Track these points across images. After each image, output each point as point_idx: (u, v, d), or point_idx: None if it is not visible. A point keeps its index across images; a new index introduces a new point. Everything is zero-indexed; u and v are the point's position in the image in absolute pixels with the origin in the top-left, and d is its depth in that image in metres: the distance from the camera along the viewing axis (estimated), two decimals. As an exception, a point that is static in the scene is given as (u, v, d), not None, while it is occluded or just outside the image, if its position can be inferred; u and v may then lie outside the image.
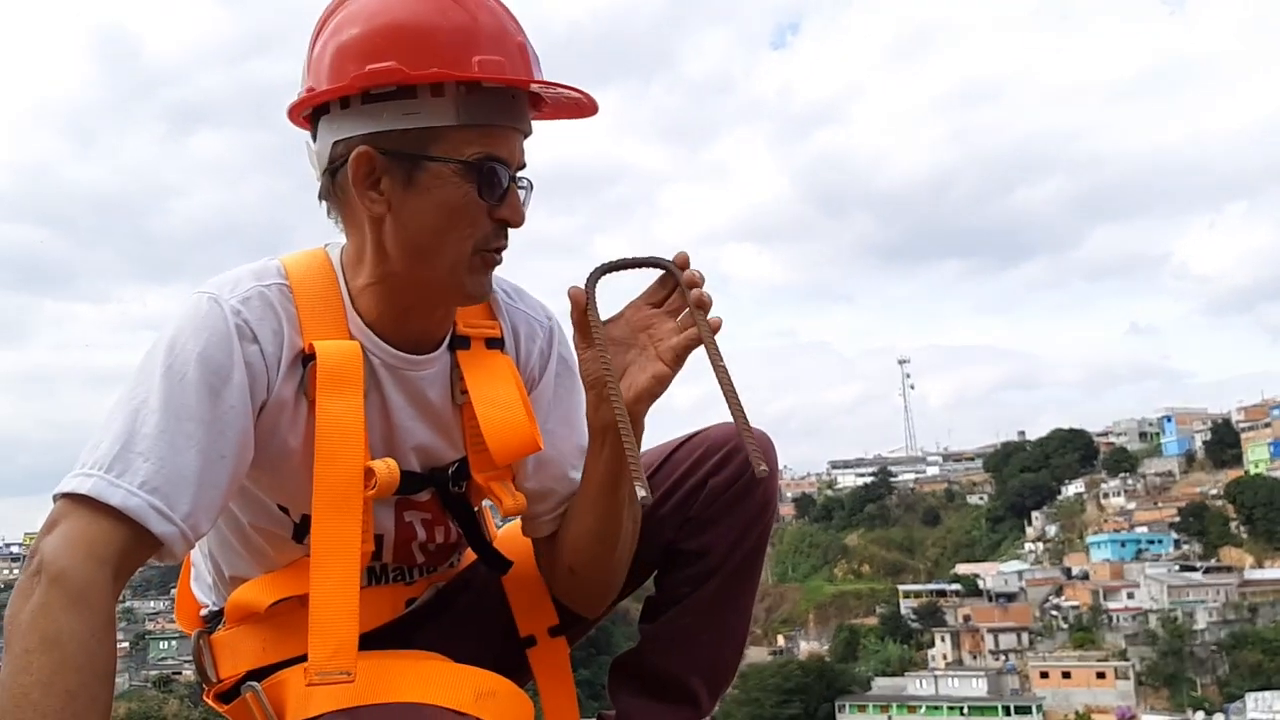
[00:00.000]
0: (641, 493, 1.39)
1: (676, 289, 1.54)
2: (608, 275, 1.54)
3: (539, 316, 1.72)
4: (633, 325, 1.55)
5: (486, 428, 1.57)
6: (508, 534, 1.80)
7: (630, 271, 1.56)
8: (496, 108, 1.46)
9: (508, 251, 1.55)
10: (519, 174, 1.51)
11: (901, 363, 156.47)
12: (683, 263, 1.52)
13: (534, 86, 1.50)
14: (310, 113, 1.52)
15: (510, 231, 1.53)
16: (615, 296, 1.52)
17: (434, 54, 1.43)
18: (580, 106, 1.57)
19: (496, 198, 1.47)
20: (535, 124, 1.55)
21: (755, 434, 1.47)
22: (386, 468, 1.51)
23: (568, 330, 1.59)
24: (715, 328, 1.47)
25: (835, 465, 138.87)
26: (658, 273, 1.56)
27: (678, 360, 1.51)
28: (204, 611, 1.73)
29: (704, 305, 1.48)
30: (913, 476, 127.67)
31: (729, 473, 1.71)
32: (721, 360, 1.45)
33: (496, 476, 1.64)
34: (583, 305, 1.51)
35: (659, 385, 1.52)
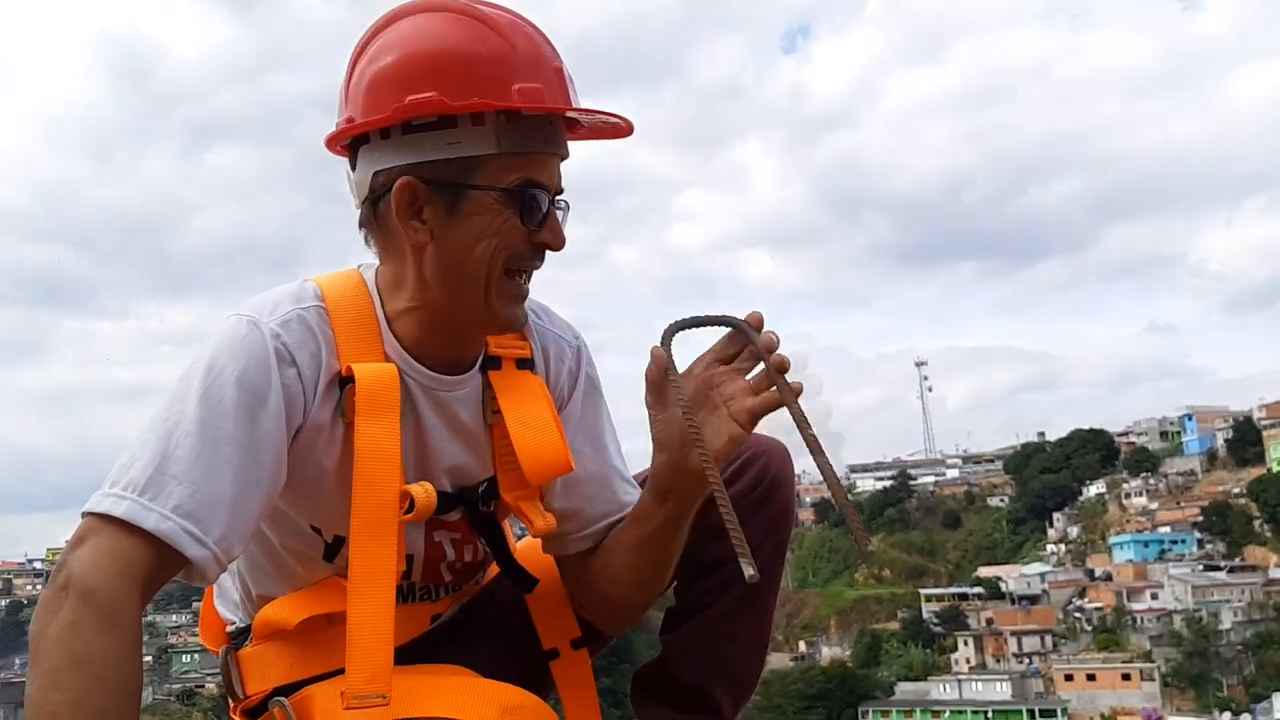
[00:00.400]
0: (749, 571, 1.36)
1: (746, 347, 1.51)
2: (679, 332, 1.53)
3: (567, 336, 1.74)
4: (701, 383, 1.52)
5: (520, 448, 1.58)
6: (527, 548, 1.81)
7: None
8: (536, 134, 1.48)
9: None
10: (557, 197, 1.53)
11: (919, 365, 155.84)
12: (756, 323, 1.50)
13: (586, 114, 1.52)
14: (349, 142, 1.53)
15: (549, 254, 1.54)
16: (686, 350, 1.51)
17: (474, 83, 1.44)
18: (617, 129, 1.60)
19: (537, 223, 1.49)
20: (572, 145, 1.56)
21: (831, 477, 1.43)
22: (425, 492, 1.52)
23: (598, 348, 1.63)
24: (797, 392, 1.44)
25: (854, 469, 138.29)
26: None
27: (753, 422, 1.48)
28: (230, 628, 1.75)
29: (783, 368, 1.45)
30: (932, 479, 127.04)
31: (746, 481, 1.72)
32: (810, 428, 1.42)
33: (526, 496, 1.66)
34: (664, 366, 1.49)
35: (734, 447, 1.50)
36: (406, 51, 1.47)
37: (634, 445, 1.76)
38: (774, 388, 1.46)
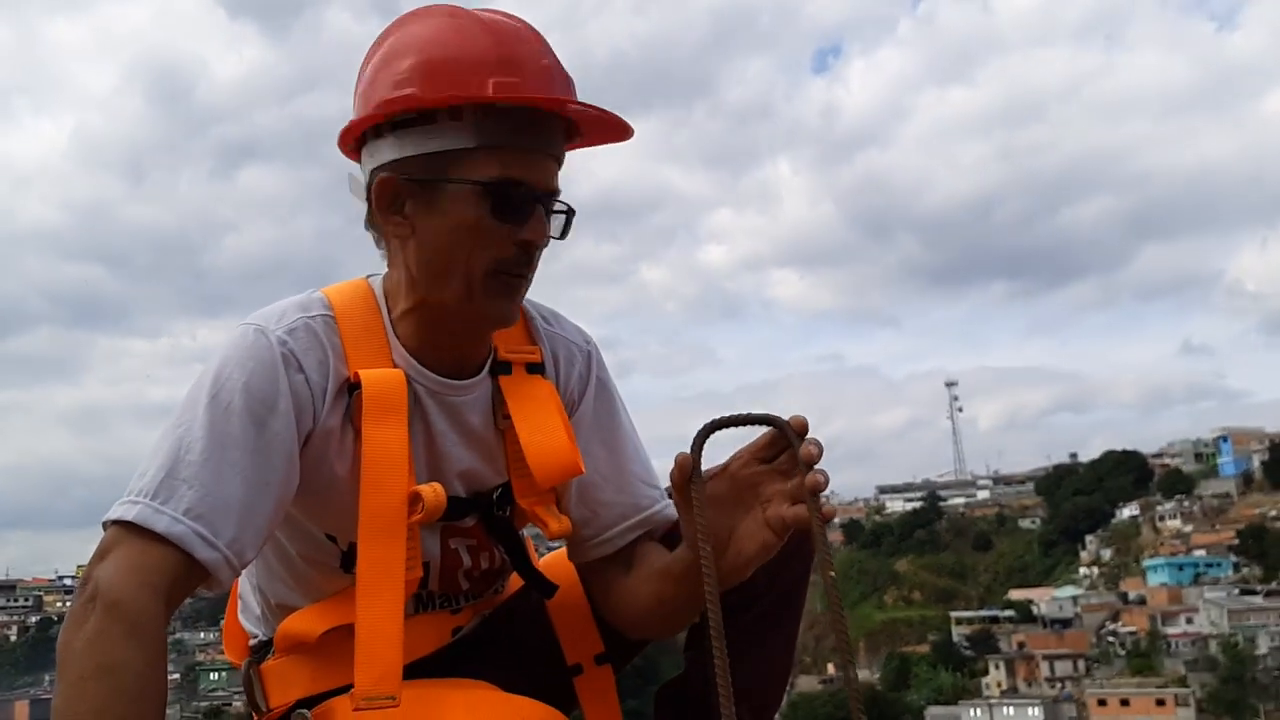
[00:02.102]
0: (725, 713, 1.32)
1: (787, 449, 1.41)
2: (714, 433, 1.41)
3: (577, 341, 1.74)
4: (739, 482, 1.44)
5: (530, 451, 1.59)
6: (551, 560, 1.80)
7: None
8: (516, 129, 1.47)
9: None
10: (552, 198, 1.52)
11: (949, 385, 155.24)
12: (800, 427, 1.38)
13: (565, 106, 1.49)
14: (355, 145, 1.56)
15: (543, 257, 1.53)
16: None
17: (450, 78, 1.45)
18: (611, 127, 1.57)
19: (514, 219, 1.48)
20: (584, 151, 1.57)
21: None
22: (434, 492, 1.52)
23: (609, 349, 1.59)
24: (829, 516, 1.36)
25: (883, 490, 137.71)
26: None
27: (786, 532, 1.42)
28: (253, 642, 1.75)
29: (817, 488, 1.34)
30: (963, 501, 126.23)
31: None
32: (831, 564, 1.34)
33: (540, 501, 1.65)
34: (687, 474, 1.40)
35: (765, 554, 1.44)
36: (396, 52, 1.51)
37: (657, 465, 1.75)
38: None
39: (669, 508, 1.67)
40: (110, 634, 1.29)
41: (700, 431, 1.39)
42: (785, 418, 1.38)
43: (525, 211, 1.49)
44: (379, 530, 1.50)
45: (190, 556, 1.37)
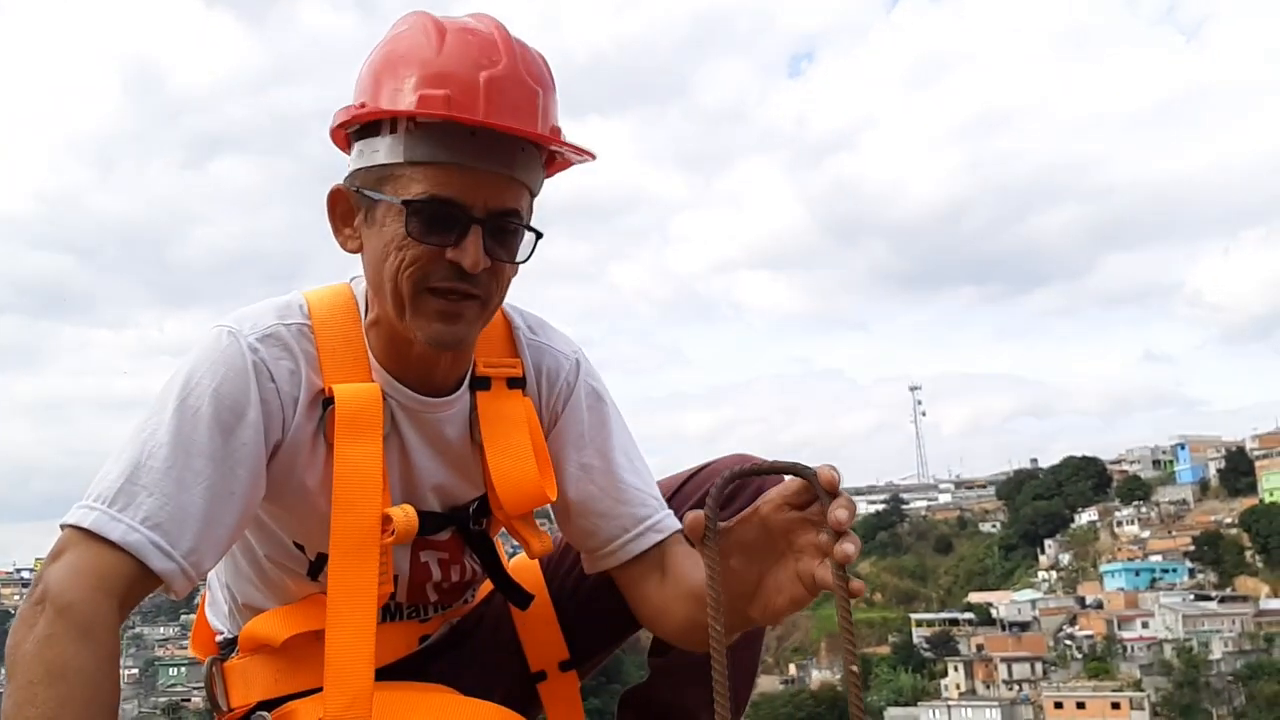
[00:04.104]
0: None
1: (818, 500, 1.27)
2: (734, 483, 1.28)
3: (564, 351, 1.70)
4: (771, 528, 1.32)
5: (497, 478, 1.57)
6: (517, 566, 1.80)
7: None
8: (448, 145, 1.40)
9: (523, 278, 1.52)
10: (502, 218, 1.44)
11: (913, 390, 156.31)
12: (829, 482, 1.23)
13: (489, 125, 1.39)
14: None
15: (490, 275, 1.44)
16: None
17: (390, 91, 1.41)
18: (570, 147, 1.49)
19: (437, 240, 1.41)
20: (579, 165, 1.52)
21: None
22: (405, 515, 1.50)
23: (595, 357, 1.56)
24: (856, 593, 1.19)
25: (846, 492, 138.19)
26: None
27: (819, 592, 1.30)
28: (219, 638, 1.74)
29: (847, 560, 1.18)
30: (924, 504, 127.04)
31: (737, 505, 1.71)
32: (852, 632, 1.17)
33: (521, 518, 1.63)
34: (698, 533, 1.22)
35: (796, 608, 1.34)
36: (369, 60, 1.48)
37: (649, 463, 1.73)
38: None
39: (669, 518, 1.65)
40: (61, 637, 1.26)
41: (721, 482, 1.25)
42: (814, 468, 1.25)
43: (452, 232, 1.41)
44: (350, 550, 1.47)
45: (145, 566, 1.35)
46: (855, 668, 1.17)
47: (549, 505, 1.65)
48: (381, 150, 1.43)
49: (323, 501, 1.50)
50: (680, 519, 1.71)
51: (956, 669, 78.37)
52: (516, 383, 1.64)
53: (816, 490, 1.26)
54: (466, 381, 1.60)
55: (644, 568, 1.64)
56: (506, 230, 1.45)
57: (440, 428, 1.58)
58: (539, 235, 1.49)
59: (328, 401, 1.50)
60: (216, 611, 1.76)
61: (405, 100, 1.39)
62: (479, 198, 1.41)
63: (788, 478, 1.30)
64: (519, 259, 1.49)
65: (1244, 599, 79.04)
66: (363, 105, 1.44)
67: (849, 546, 1.18)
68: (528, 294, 1.61)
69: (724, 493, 1.24)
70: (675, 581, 1.60)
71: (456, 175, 1.40)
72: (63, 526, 1.36)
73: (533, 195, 1.49)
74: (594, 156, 1.52)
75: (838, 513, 1.20)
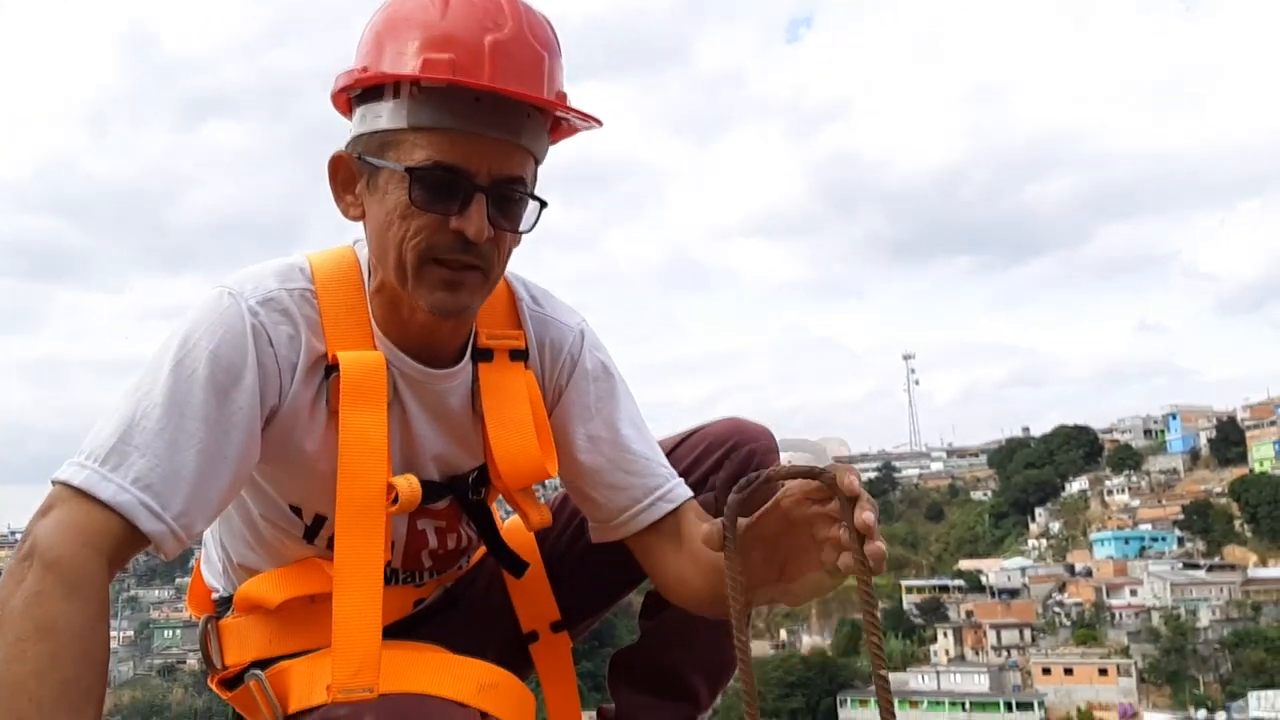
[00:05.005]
0: None
1: (835, 498, 1.30)
2: (752, 487, 1.29)
3: (569, 323, 1.68)
4: (793, 521, 1.36)
5: (497, 452, 1.57)
6: (509, 530, 1.80)
7: None
8: (452, 111, 1.37)
9: (519, 248, 1.49)
10: (506, 186, 1.41)
11: (906, 358, 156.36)
12: (849, 489, 1.26)
13: (496, 89, 1.36)
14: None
15: (491, 245, 1.42)
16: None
17: (392, 55, 1.38)
18: (575, 112, 1.46)
19: (440, 208, 1.39)
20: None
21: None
22: (409, 485, 1.49)
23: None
24: (876, 571, 1.25)
25: (839, 461, 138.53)
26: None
27: (841, 581, 1.35)
28: (215, 596, 1.74)
29: (877, 559, 1.24)
30: (917, 472, 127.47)
31: (729, 470, 1.72)
32: (876, 618, 1.24)
33: (521, 489, 1.63)
34: (718, 545, 1.28)
35: (818, 595, 1.40)
36: (371, 23, 1.45)
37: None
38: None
39: (680, 487, 1.65)
40: (49, 593, 1.24)
41: (738, 487, 1.28)
42: (833, 473, 1.27)
43: (455, 200, 1.39)
44: (355, 519, 1.46)
45: (134, 526, 1.33)
46: (883, 672, 1.22)
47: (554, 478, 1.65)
48: (384, 115, 1.40)
49: (322, 466, 1.49)
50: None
51: (946, 635, 79.01)
52: (519, 355, 1.62)
53: (838, 495, 1.28)
54: (468, 353, 1.59)
55: (657, 537, 1.63)
56: (511, 199, 1.43)
57: (442, 400, 1.57)
58: (543, 204, 1.46)
59: (330, 368, 1.48)
60: (212, 569, 1.76)
61: (408, 64, 1.36)
62: (483, 165, 1.39)
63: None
64: (523, 229, 1.46)
65: (1231, 568, 79.65)
66: (364, 69, 1.41)
67: (879, 545, 1.24)
68: (522, 260, 1.59)
69: (740, 499, 1.26)
70: (693, 553, 1.59)
71: (461, 141, 1.38)
72: (54, 482, 1.34)
73: (538, 163, 1.47)
74: (600, 123, 1.49)
75: (865, 515, 1.23)
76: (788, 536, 1.37)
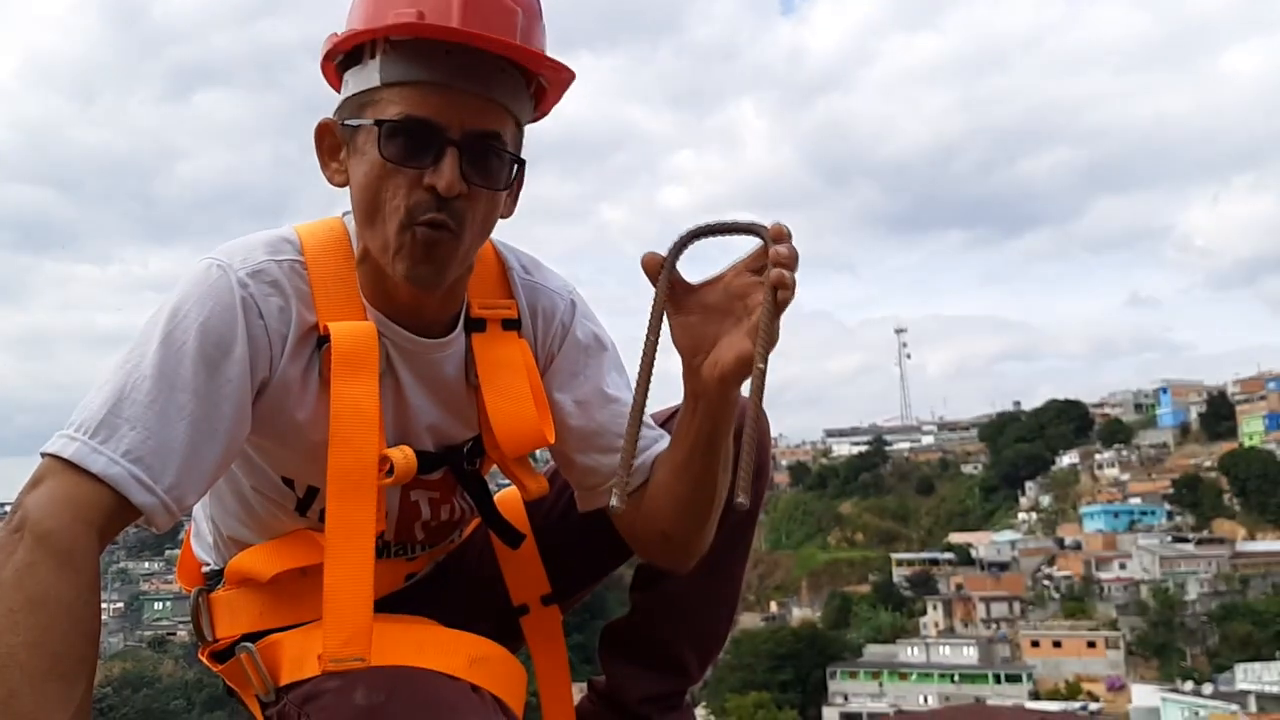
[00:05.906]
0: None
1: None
2: (695, 240, 1.41)
3: (560, 291, 1.68)
4: (731, 292, 1.42)
5: (496, 420, 1.56)
6: (503, 501, 1.79)
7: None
8: (422, 64, 1.37)
9: (514, 222, 1.49)
10: (479, 140, 1.40)
11: (898, 332, 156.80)
12: (778, 234, 1.36)
13: (469, 38, 1.36)
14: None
15: (464, 206, 1.40)
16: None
17: (364, 16, 1.40)
18: (548, 66, 1.44)
19: (413, 161, 1.38)
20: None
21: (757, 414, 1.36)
22: (404, 456, 1.49)
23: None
24: (783, 304, 1.34)
25: (830, 434, 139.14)
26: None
27: (753, 339, 1.37)
28: (205, 569, 1.73)
29: (783, 285, 1.33)
30: (907, 446, 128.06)
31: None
32: (764, 363, 1.34)
33: (517, 459, 1.62)
34: (654, 271, 1.40)
35: (741, 367, 1.39)
36: None
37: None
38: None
39: (665, 439, 1.64)
40: (40, 565, 1.24)
41: (681, 238, 1.39)
42: (767, 225, 1.37)
43: (427, 153, 1.38)
44: (347, 490, 1.45)
45: (125, 499, 1.32)
46: (763, 365, 1.33)
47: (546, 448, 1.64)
48: (362, 76, 1.41)
49: (314, 438, 1.48)
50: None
51: (936, 608, 79.41)
52: (512, 324, 1.62)
53: (765, 240, 1.36)
54: (461, 323, 1.59)
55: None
56: (486, 154, 1.41)
57: (436, 369, 1.57)
58: (521, 162, 1.45)
59: (321, 340, 1.48)
60: (202, 543, 1.75)
61: (380, 21, 1.37)
62: (455, 118, 1.38)
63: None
64: (499, 186, 1.44)
65: (1220, 541, 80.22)
66: (332, 35, 1.43)
67: (784, 274, 1.33)
68: (513, 232, 1.59)
69: (682, 248, 1.39)
70: (655, 480, 1.60)
71: (432, 94, 1.37)
72: (43, 455, 1.34)
73: (519, 124, 1.46)
74: (573, 74, 1.47)
75: (778, 250, 1.34)
76: (724, 306, 1.42)
